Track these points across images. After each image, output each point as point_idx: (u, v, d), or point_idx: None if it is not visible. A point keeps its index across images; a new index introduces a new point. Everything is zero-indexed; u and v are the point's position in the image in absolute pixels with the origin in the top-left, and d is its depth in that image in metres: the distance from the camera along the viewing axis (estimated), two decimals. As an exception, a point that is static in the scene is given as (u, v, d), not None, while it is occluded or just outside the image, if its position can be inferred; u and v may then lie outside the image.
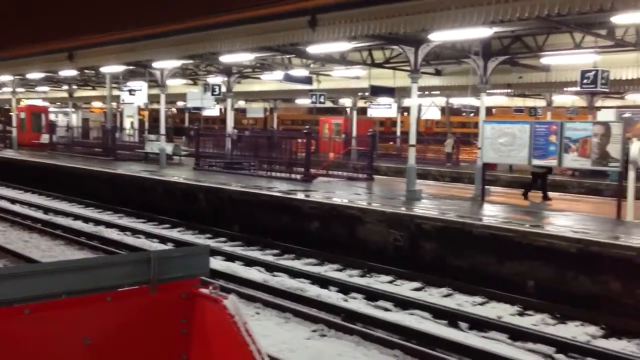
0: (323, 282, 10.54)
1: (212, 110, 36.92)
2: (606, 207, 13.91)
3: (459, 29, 13.06)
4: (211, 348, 2.81)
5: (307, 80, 24.82)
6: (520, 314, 9.23)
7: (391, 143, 44.05)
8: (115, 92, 30.74)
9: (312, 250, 12.86)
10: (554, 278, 9.98)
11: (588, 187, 21.67)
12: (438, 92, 29.85)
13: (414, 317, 8.78)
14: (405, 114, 41.34)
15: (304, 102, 38.82)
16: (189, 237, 14.57)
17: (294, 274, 11.08)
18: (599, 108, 28.54)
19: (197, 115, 45.09)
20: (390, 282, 10.99)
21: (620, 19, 12.31)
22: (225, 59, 20.41)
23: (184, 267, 2.88)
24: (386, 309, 9.19)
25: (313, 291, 9.88)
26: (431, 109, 36.88)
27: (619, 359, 7.22)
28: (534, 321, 8.85)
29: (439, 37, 14.27)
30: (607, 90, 17.84)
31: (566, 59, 19.92)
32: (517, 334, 8.05)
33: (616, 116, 23.63)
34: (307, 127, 23.63)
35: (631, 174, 12.31)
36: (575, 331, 8.41)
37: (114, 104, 35.70)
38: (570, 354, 7.44)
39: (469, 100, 30.72)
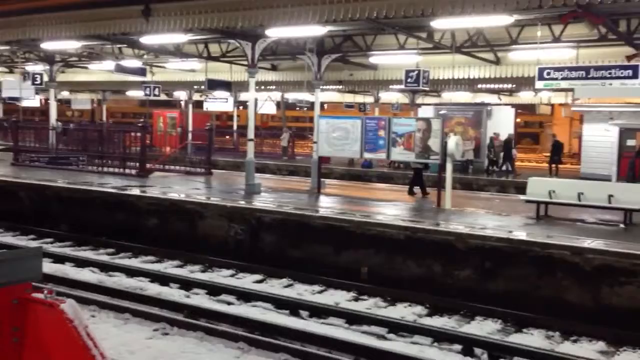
0: (163, 279, 10.30)
1: (31, 100, 33.97)
2: (428, 197, 15.16)
3: (294, 26, 13.42)
4: (49, 356, 2.68)
5: (141, 72, 23.84)
6: (356, 299, 9.79)
7: (228, 137, 43.92)
8: None
9: (151, 248, 12.48)
10: (385, 264, 10.72)
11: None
12: (274, 87, 30.31)
13: (257, 309, 8.93)
14: (242, 108, 41.51)
15: (136, 94, 37.20)
16: (9, 239, 13.33)
17: (131, 272, 10.68)
18: (419, 105, 30.91)
19: (14, 106, 41.21)
20: (232, 275, 11.04)
21: (438, 24, 13.47)
22: (48, 46, 18.93)
23: (12, 271, 2.69)
24: (229, 303, 9.23)
25: (153, 289, 9.63)
26: (267, 104, 37.33)
27: (440, 333, 7.96)
28: (367, 305, 9.44)
29: (275, 33, 14.54)
30: (427, 88, 19.39)
31: (392, 59, 21.33)
32: (353, 318, 8.54)
33: (434, 112, 25.83)
34: (141, 120, 22.75)
35: (449, 166, 13.57)
36: (404, 312, 9.12)
37: None
38: (400, 332, 8.07)
39: (304, 95, 31.64)
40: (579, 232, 10.59)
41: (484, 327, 8.49)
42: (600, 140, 23.47)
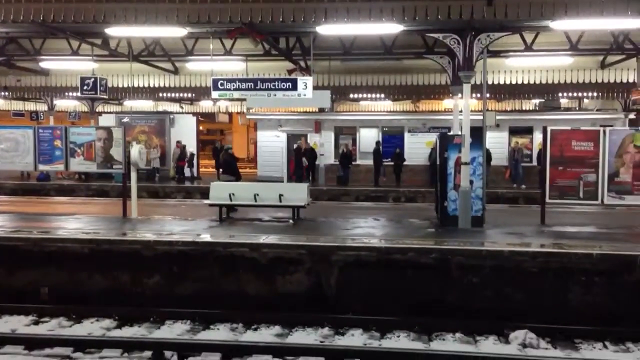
0: None
1: None
2: (113, 207, 14.81)
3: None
4: None
5: None
6: (36, 323, 9.09)
7: None
8: None
9: None
10: (69, 280, 10.17)
11: (96, 189, 22.45)
12: None
13: None
14: None
15: None
16: None
17: None
18: (100, 113, 29.77)
19: None
20: None
21: (112, 31, 13.24)
22: None
23: None
24: None
25: None
26: None
27: (129, 342, 7.92)
28: (50, 327, 8.85)
29: None
30: (106, 96, 18.87)
31: (66, 65, 20.18)
32: (32, 343, 7.92)
33: (116, 121, 25.23)
34: None
35: (133, 175, 13.51)
36: (92, 327, 8.82)
37: None
38: (87, 350, 7.78)
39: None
40: (257, 230, 11.63)
41: (174, 330, 8.73)
42: (272, 146, 25.90)
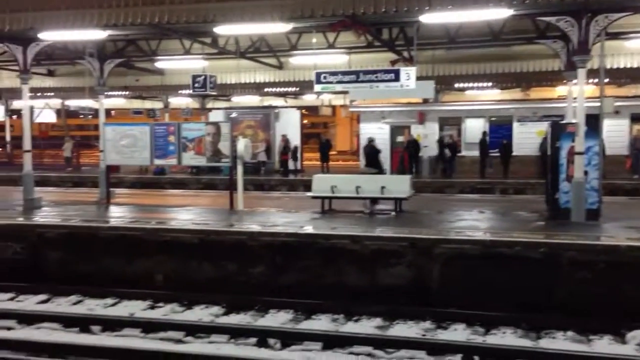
0: None
1: None
2: (221, 200, 15.42)
3: (70, 29, 12.75)
4: None
5: None
6: (152, 308, 9.66)
7: (0, 149, 39.77)
8: None
9: None
10: (181, 268, 10.73)
11: (205, 182, 23.48)
12: (52, 94, 28.22)
13: (42, 330, 8.38)
14: (16, 117, 37.86)
15: None
16: None
17: None
18: (210, 109, 31.10)
19: None
20: (11, 299, 10.16)
21: (221, 30, 13.77)
22: None
23: None
24: (9, 328, 8.53)
25: None
26: (45, 112, 34.53)
27: (236, 329, 8.24)
28: (164, 312, 9.38)
29: (49, 36, 13.63)
30: (215, 93, 19.68)
31: (179, 64, 21.24)
32: (148, 327, 8.44)
33: (225, 116, 26.21)
34: None
35: (239, 169, 13.98)
36: (201, 314, 9.25)
37: None
38: (198, 334, 8.18)
39: (87, 102, 29.90)
40: (358, 222, 11.66)
41: (277, 319, 8.96)
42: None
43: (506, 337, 8.05)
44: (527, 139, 23.18)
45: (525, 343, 7.77)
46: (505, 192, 20.16)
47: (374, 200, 13.22)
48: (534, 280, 9.09)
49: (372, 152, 15.33)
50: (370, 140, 16.50)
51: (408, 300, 9.37)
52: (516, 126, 23.69)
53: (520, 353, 7.22)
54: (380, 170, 14.88)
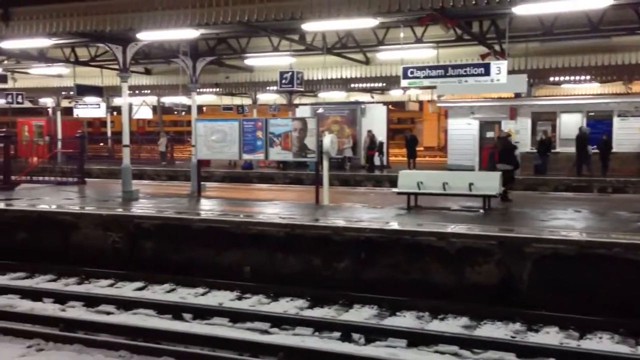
0: (35, 294, 9.83)
1: None
2: (307, 194, 15.59)
3: (166, 29, 13.29)
4: None
5: (1, 79, 22.37)
6: (239, 298, 9.92)
7: (102, 144, 42.14)
8: None
9: (19, 264, 11.83)
10: (267, 261, 10.95)
11: (292, 177, 23.85)
12: (149, 91, 29.59)
13: (138, 316, 8.81)
14: (115, 113, 40.00)
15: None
16: None
17: (-2, 291, 10.08)
18: (297, 105, 31.50)
19: None
20: (111, 285, 10.77)
21: (309, 26, 13.91)
22: None
23: None
24: (109, 313, 9.03)
25: (25, 306, 9.17)
26: (143, 108, 36.28)
27: (320, 323, 8.30)
28: (251, 303, 9.61)
29: (147, 36, 14.29)
30: (302, 89, 19.89)
31: (267, 61, 21.63)
32: (236, 316, 8.67)
33: (311, 112, 26.47)
34: (3, 130, 21.33)
35: (325, 164, 14.06)
36: (287, 306, 9.39)
37: None
38: (283, 326, 8.32)
39: (180, 99, 31.13)
40: (445, 219, 11.42)
41: (361, 314, 8.95)
42: (463, 133, 25.24)
43: (603, 343, 7.64)
44: (628, 134, 21.88)
45: (624, 349, 7.34)
46: (604, 190, 19.12)
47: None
48: (633, 283, 8.56)
49: (506, 147, 14.47)
50: (506, 135, 15.78)
51: (495, 300, 9.09)
52: (617, 121, 22.40)
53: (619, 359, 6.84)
54: (516, 167, 14.06)
